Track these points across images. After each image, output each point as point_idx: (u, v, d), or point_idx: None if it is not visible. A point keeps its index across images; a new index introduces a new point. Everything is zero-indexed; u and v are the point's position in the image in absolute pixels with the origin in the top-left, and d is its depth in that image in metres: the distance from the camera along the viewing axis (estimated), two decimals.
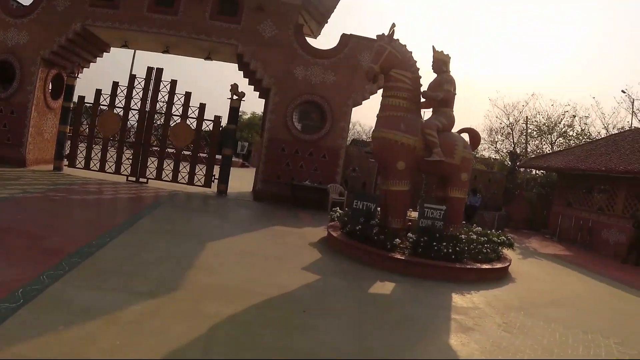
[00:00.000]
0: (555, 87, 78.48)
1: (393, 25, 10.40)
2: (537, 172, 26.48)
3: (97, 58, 19.24)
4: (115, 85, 17.13)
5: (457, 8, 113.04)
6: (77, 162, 17.18)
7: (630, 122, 29.10)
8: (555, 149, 27.66)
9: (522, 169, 26.08)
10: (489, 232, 11.39)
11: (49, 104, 17.16)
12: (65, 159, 17.16)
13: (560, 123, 29.99)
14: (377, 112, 10.75)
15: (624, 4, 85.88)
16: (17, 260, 6.24)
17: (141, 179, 16.95)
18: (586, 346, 6.14)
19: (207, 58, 18.59)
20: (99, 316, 4.80)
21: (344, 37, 16.90)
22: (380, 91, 11.37)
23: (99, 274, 6.18)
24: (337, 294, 7.03)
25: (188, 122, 17.02)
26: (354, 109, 17.13)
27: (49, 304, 4.91)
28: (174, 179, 17.02)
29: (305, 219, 13.98)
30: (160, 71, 17.00)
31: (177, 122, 17.10)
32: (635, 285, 11.13)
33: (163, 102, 17.06)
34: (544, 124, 30.42)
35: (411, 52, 10.75)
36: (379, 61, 10.24)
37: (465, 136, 11.69)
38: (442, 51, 11.18)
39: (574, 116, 29.56)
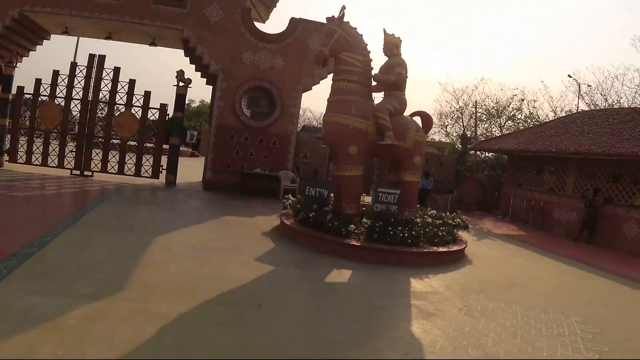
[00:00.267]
0: (507, 73, 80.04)
1: (343, 7, 10.18)
2: (487, 154, 26.89)
3: (37, 46, 18.24)
4: (56, 74, 16.18)
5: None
6: (19, 156, 16.21)
7: (577, 105, 29.97)
8: (505, 132, 28.25)
9: (472, 152, 26.46)
10: (443, 214, 11.40)
11: None
12: (6, 154, 16.20)
13: (509, 107, 30.66)
14: (328, 97, 10.53)
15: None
16: None
17: (86, 172, 16.16)
18: (549, 326, 6.12)
19: (152, 44, 17.91)
20: (39, 323, 4.38)
21: (293, 21, 16.57)
22: (330, 76, 11.17)
23: (39, 276, 5.71)
24: (293, 285, 6.79)
25: (133, 111, 16.32)
26: (304, 94, 16.90)
27: None
28: (120, 171, 16.33)
29: (257, 208, 13.66)
30: (102, 58, 16.18)
31: (121, 111, 16.40)
32: (589, 263, 11.42)
33: (107, 91, 16.29)
34: (493, 107, 31.03)
35: (362, 35, 10.56)
36: (329, 44, 10.01)
37: (418, 119, 11.61)
38: (393, 34, 11.03)
39: (522, 100, 30.31)
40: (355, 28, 10.42)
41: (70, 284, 5.59)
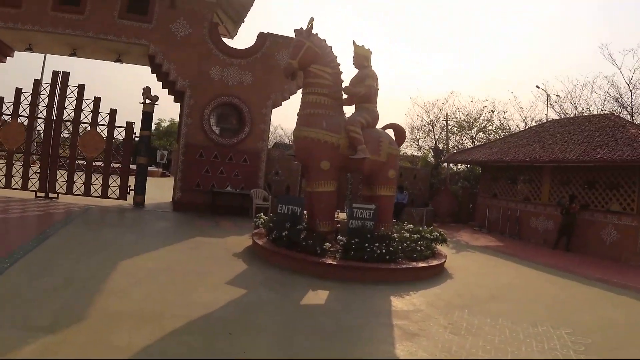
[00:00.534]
0: (478, 85, 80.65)
1: (312, 19, 9.96)
2: (460, 166, 26.93)
3: (1, 64, 17.64)
4: (19, 92, 15.53)
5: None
6: None
7: (546, 115, 30.36)
8: (476, 143, 28.42)
9: (444, 164, 26.49)
10: (421, 228, 11.18)
11: None
12: None
13: (479, 118, 30.92)
14: (298, 111, 10.26)
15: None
16: None
17: (51, 194, 15.52)
18: (539, 340, 5.89)
19: (118, 60, 17.47)
20: None
21: (261, 35, 16.33)
22: (300, 91, 10.90)
23: None
24: (266, 309, 6.39)
25: (99, 129, 15.78)
26: (275, 112, 16.75)
27: None
28: (87, 193, 15.69)
29: (228, 228, 13.24)
30: (66, 75, 15.63)
31: (86, 130, 15.85)
32: (569, 270, 11.34)
33: (71, 109, 15.74)
34: (464, 120, 31.25)
35: (331, 47, 10.34)
36: (297, 56, 9.76)
37: (390, 132, 11.44)
38: (363, 46, 10.88)
39: (493, 111, 30.62)
40: (324, 40, 10.20)
41: (25, 314, 5.17)
